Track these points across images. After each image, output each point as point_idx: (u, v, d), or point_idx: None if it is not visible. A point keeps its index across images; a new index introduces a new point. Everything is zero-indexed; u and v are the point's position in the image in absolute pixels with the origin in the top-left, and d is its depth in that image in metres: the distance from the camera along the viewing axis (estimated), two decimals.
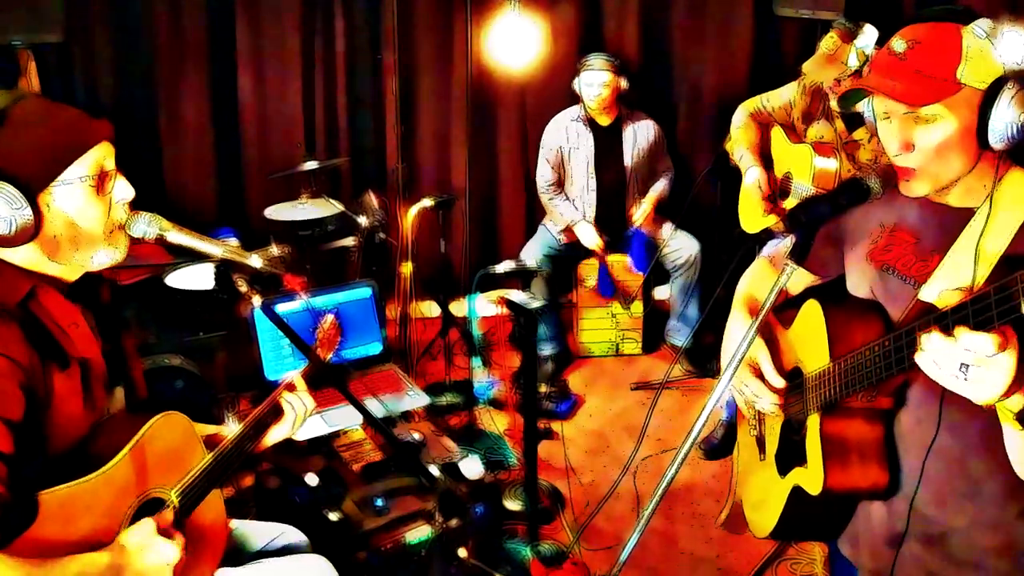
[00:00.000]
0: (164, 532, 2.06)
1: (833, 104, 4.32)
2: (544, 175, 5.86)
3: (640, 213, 5.76)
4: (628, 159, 5.78)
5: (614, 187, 5.82)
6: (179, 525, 2.17)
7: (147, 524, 2.04)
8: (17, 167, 1.95)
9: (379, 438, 3.72)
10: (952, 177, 1.88)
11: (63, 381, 2.04)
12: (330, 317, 2.91)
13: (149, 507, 2.13)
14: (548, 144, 5.83)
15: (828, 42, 4.21)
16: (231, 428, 2.48)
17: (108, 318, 2.29)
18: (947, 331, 1.60)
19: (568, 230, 5.78)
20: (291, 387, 2.63)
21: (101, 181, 2.08)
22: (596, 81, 5.59)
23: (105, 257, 2.14)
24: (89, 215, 2.07)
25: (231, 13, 5.83)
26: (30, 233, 1.99)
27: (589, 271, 5.87)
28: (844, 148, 4.31)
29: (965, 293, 1.64)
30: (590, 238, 5.71)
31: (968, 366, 1.58)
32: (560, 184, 5.86)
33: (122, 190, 2.16)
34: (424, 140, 6.35)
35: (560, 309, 6.01)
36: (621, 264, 5.87)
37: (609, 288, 5.86)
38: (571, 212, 5.79)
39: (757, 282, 2.52)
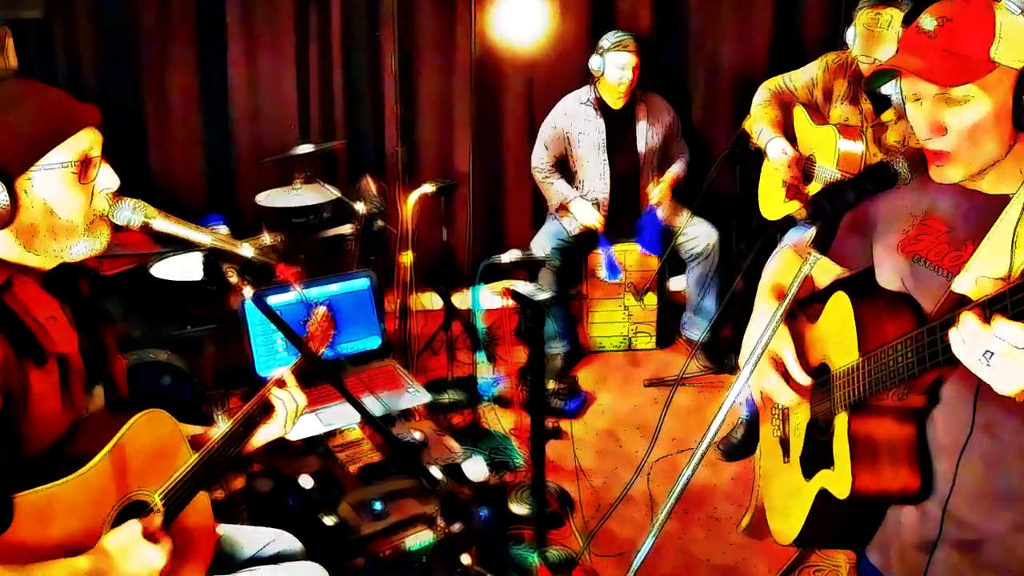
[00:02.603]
0: (151, 536, 2.06)
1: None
2: (539, 155, 5.84)
3: (658, 191, 5.73)
4: (641, 144, 5.76)
5: (627, 174, 5.80)
6: (165, 529, 2.16)
7: (132, 527, 2.03)
8: None
9: (377, 438, 3.71)
10: (986, 161, 1.86)
11: (40, 378, 2.03)
12: (322, 308, 2.90)
13: (131, 510, 2.13)
14: (551, 126, 5.80)
15: (869, 16, 4.18)
16: (220, 427, 2.47)
17: (87, 312, 2.28)
18: (986, 320, 1.59)
19: (563, 207, 5.75)
20: (281, 383, 2.62)
21: (84, 168, 2.07)
22: (628, 63, 5.54)
23: (84, 248, 2.12)
24: (69, 204, 2.06)
25: None
26: (5, 219, 1.98)
27: (599, 259, 5.85)
28: (872, 130, 4.30)
29: (1003, 283, 1.63)
30: (587, 215, 5.69)
31: (993, 353, 1.57)
32: (557, 166, 5.83)
33: (106, 179, 2.14)
34: (425, 122, 6.34)
35: (569, 302, 6.00)
36: (633, 253, 5.85)
37: (615, 271, 5.83)
38: (566, 189, 5.77)
39: (782, 272, 2.50)
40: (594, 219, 5.68)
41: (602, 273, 5.83)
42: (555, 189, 5.79)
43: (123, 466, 2.11)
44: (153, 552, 2.03)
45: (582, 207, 5.70)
